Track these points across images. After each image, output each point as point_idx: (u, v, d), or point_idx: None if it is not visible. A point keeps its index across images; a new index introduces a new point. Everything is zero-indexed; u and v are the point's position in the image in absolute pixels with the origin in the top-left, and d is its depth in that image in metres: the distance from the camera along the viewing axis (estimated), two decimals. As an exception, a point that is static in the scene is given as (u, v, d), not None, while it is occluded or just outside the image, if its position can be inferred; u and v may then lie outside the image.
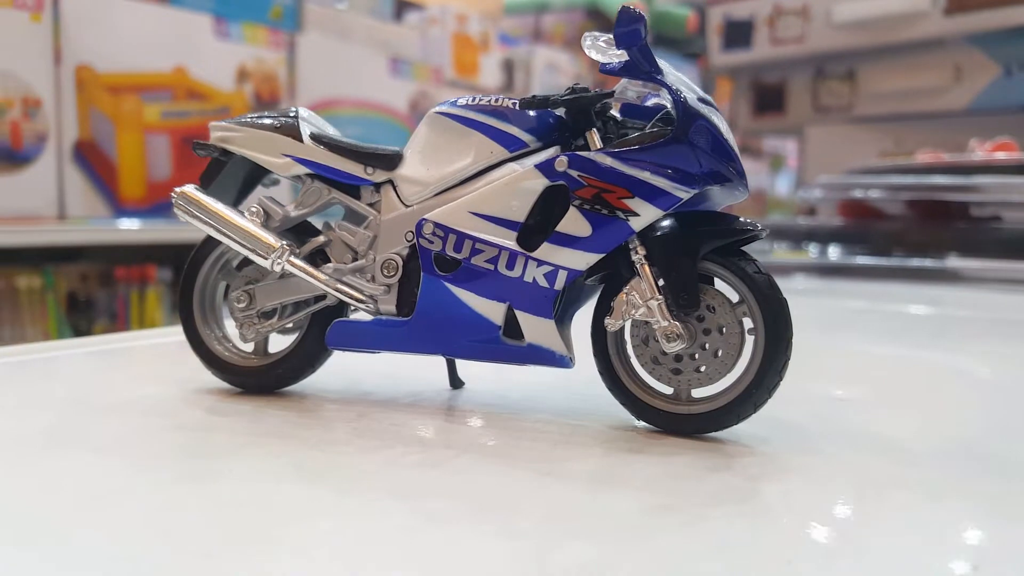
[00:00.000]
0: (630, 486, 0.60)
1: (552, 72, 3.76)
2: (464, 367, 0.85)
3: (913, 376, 1.10)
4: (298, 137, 0.79)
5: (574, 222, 0.69)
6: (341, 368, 0.88)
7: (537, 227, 0.71)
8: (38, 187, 2.02)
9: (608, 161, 0.68)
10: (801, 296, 1.95)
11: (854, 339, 1.40)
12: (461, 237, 0.72)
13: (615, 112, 0.75)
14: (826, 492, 0.60)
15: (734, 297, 0.68)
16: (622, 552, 0.48)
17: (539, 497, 0.57)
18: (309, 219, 0.83)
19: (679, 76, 0.71)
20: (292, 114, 0.81)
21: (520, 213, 0.71)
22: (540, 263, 0.70)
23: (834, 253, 2.17)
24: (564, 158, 0.70)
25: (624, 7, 0.67)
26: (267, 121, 0.81)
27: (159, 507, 0.54)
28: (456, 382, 0.86)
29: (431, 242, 0.73)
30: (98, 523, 0.51)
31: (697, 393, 0.70)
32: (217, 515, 0.53)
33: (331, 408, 0.79)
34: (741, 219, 0.69)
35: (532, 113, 0.73)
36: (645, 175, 0.67)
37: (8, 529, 0.50)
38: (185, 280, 0.84)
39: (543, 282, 0.70)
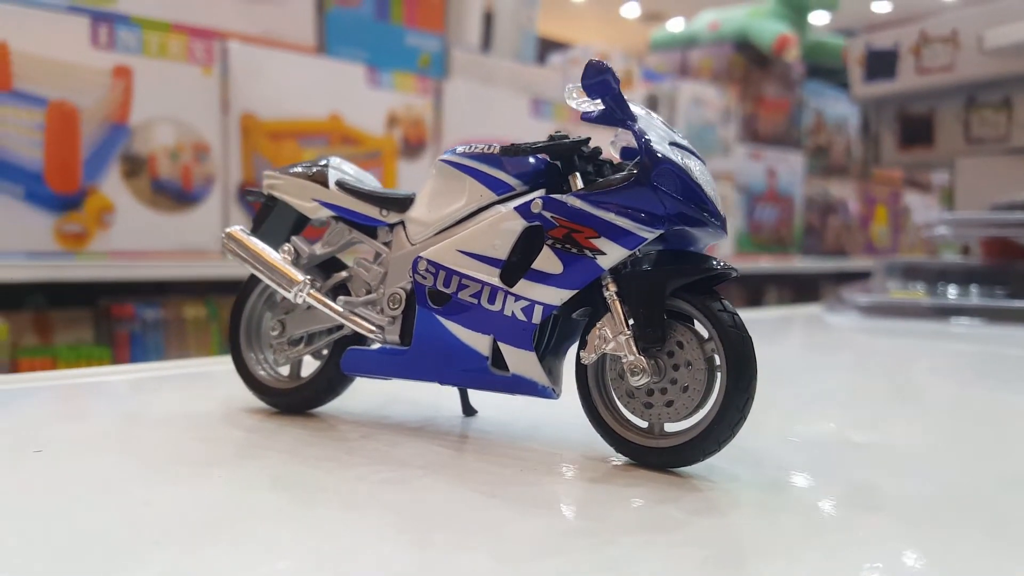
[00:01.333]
0: (559, 510, 0.63)
1: (698, 106, 3.75)
2: (480, 397, 0.89)
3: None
4: (325, 183, 0.88)
5: (547, 260, 0.73)
6: (372, 392, 0.97)
7: (518, 265, 0.75)
8: (205, 225, 2.22)
9: (577, 203, 0.72)
10: (950, 341, 1.85)
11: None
12: (449, 273, 0.78)
13: (615, 154, 0.78)
14: (761, 530, 0.60)
15: (705, 334, 0.70)
16: (508, 566, 0.51)
17: (468, 516, 0.61)
18: (338, 256, 0.91)
19: (656, 123, 0.73)
20: (323, 163, 0.90)
21: (502, 251, 0.76)
22: (518, 298, 0.74)
23: (955, 292, 2.05)
24: (539, 200, 0.74)
25: (590, 61, 0.71)
26: (302, 170, 0.90)
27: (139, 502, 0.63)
28: (468, 410, 0.91)
29: (424, 278, 0.79)
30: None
31: (669, 428, 0.71)
32: (181, 512, 0.61)
33: (342, 428, 0.86)
34: (713, 260, 0.70)
35: (521, 159, 0.78)
36: (610, 216, 0.70)
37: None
38: (234, 311, 0.94)
39: (521, 316, 0.74)
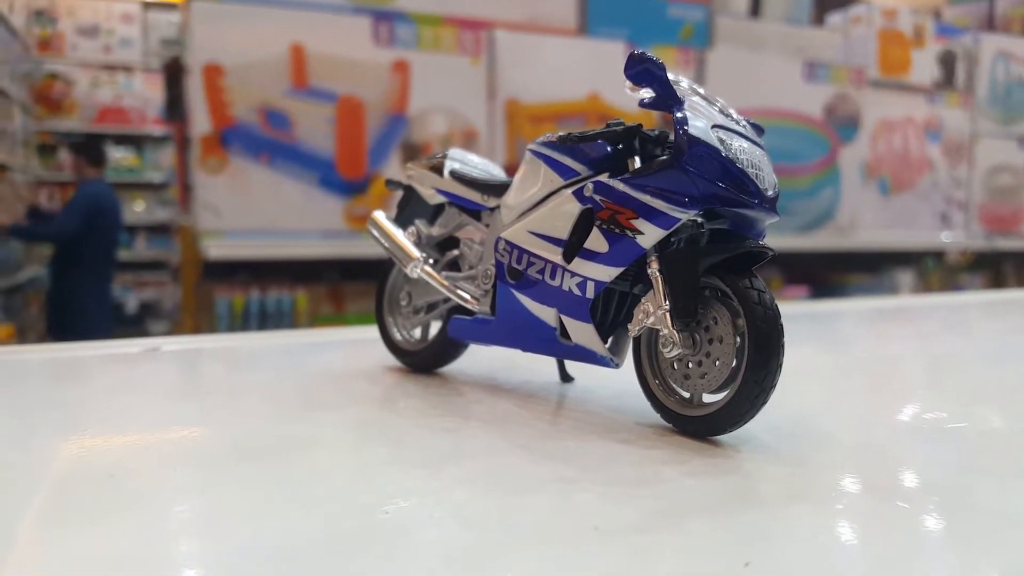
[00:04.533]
0: (567, 461, 0.68)
1: (1004, 61, 3.34)
2: (579, 367, 0.92)
3: None
4: (441, 172, 0.97)
5: (596, 240, 0.77)
6: (496, 358, 1.06)
7: (576, 244, 0.80)
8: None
9: (621, 187, 0.76)
10: None
11: None
12: (521, 252, 0.85)
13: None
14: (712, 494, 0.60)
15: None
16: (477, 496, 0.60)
17: (483, 459, 0.69)
18: (456, 235, 0.99)
19: (701, 105, 0.75)
20: (441, 155, 1.00)
21: (563, 231, 0.81)
22: (573, 274, 0.80)
23: None
24: (590, 184, 0.79)
25: (631, 53, 0.75)
26: (427, 161, 1.01)
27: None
28: (565, 376, 0.96)
29: (503, 256, 0.87)
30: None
31: (707, 398, 0.74)
32: (260, 434, 0.77)
33: (446, 385, 0.95)
34: (749, 241, 0.73)
35: (587, 145, 0.82)
36: (647, 198, 0.73)
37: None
38: (380, 283, 1.05)
39: (576, 291, 0.79)
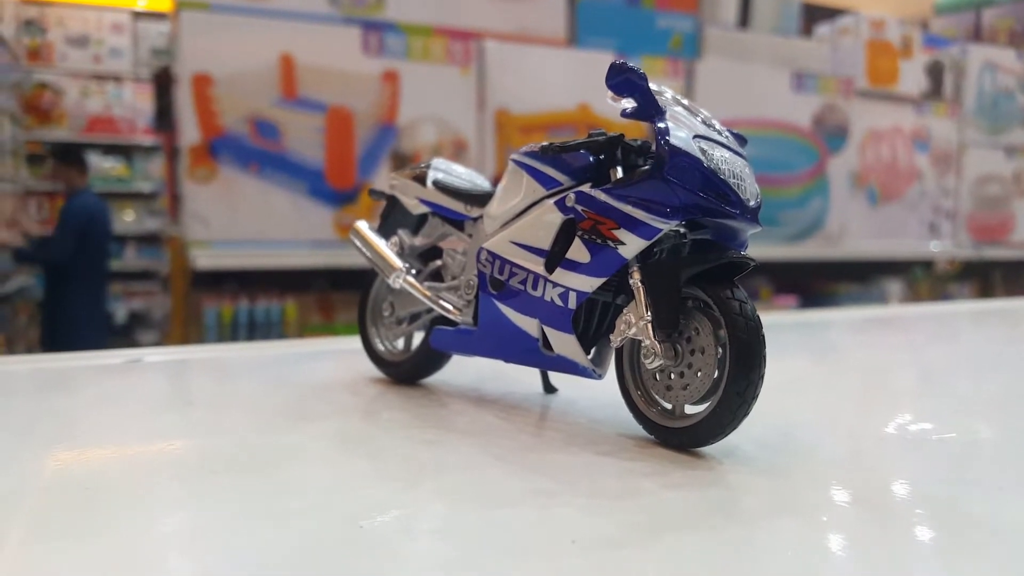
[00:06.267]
0: (540, 472, 0.68)
1: (991, 72, 3.36)
2: (562, 378, 0.93)
3: None
4: (424, 183, 0.97)
5: (578, 250, 0.77)
6: (481, 369, 1.05)
7: (558, 254, 0.80)
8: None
9: (602, 196, 0.75)
10: None
11: None
12: (503, 262, 0.84)
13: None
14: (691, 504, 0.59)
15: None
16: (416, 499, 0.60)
17: (457, 472, 0.68)
18: (440, 246, 0.98)
19: (683, 115, 0.74)
20: (425, 165, 0.99)
21: (545, 242, 0.80)
22: (555, 285, 0.79)
23: None
24: (572, 195, 0.78)
25: (612, 63, 0.75)
26: (410, 171, 1.00)
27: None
28: (549, 387, 0.96)
29: (484, 266, 0.86)
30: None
31: (689, 410, 0.74)
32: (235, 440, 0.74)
33: (431, 397, 0.94)
34: (731, 251, 0.72)
35: (569, 155, 0.81)
36: (628, 208, 0.73)
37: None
38: (363, 294, 1.04)
39: (558, 301, 0.79)
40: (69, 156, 3.26)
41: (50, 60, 4.49)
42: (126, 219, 4.62)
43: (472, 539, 0.54)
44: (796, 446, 0.78)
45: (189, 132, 2.12)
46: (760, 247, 2.88)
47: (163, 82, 2.60)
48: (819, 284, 3.20)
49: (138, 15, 4.67)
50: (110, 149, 4.63)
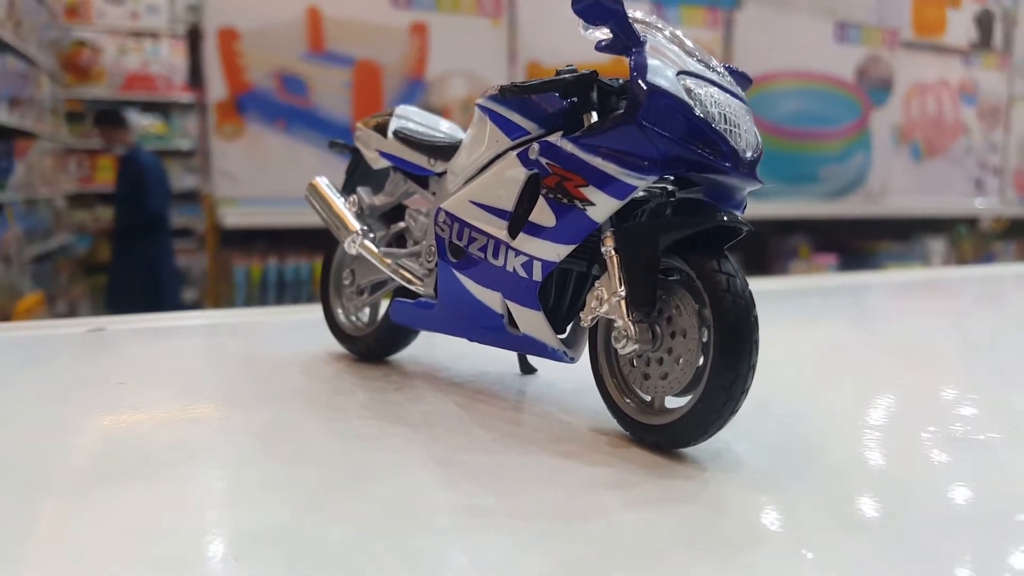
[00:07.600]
0: (481, 482, 0.57)
1: (1047, 20, 3.22)
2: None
3: None
4: (384, 133, 0.84)
5: (542, 212, 0.64)
6: (469, 343, 0.87)
7: (523, 216, 0.67)
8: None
9: (568, 147, 0.62)
10: None
11: None
12: (462, 225, 0.71)
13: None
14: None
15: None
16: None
17: (388, 479, 0.58)
18: (405, 204, 0.86)
19: (669, 47, 0.61)
20: (389, 112, 0.86)
21: (508, 202, 0.68)
22: (518, 253, 0.66)
23: None
24: (536, 145, 0.65)
25: None
26: (372, 120, 0.87)
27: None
28: (526, 368, 0.85)
29: (443, 230, 0.73)
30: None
31: (671, 403, 0.62)
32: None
33: (391, 379, 0.83)
34: (720, 213, 0.59)
35: (537, 97, 0.68)
36: (597, 161, 0.60)
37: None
38: (325, 262, 0.93)
39: (522, 272, 0.66)
40: (112, 118, 3.26)
41: (88, 17, 4.50)
42: (164, 177, 4.65)
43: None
44: (797, 444, 0.65)
45: (216, 88, 2.11)
46: (799, 204, 2.82)
47: (195, 38, 2.59)
48: (860, 242, 3.12)
49: (173, -29, 4.65)
50: (148, 106, 4.65)
